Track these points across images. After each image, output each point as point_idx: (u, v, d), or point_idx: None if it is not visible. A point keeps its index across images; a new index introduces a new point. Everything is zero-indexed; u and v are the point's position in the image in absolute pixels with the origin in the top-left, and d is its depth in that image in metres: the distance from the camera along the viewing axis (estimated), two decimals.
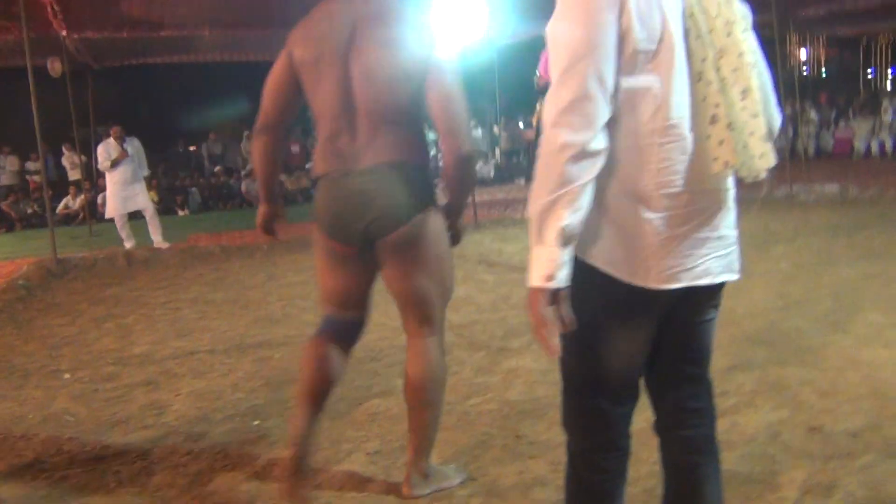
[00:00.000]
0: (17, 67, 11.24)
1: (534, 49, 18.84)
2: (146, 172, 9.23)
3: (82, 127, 13.16)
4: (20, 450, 3.00)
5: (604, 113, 1.33)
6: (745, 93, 1.38)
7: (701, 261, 1.44)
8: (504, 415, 3.07)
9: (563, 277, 1.33)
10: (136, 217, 8.99)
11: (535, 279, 1.33)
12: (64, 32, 11.22)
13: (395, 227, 2.18)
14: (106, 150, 8.59)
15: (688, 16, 1.36)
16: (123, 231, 8.77)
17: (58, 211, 13.23)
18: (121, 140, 8.61)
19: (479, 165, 16.78)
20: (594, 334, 1.47)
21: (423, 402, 2.29)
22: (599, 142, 1.33)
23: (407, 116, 2.20)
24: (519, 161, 17.74)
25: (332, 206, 2.21)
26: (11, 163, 15.55)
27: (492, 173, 17.20)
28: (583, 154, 1.31)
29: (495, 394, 3.33)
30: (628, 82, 1.36)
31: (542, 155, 1.33)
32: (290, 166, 16.88)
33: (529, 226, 1.37)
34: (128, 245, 8.69)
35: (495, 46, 16.18)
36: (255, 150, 2.39)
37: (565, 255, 1.33)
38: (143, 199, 8.84)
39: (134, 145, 8.84)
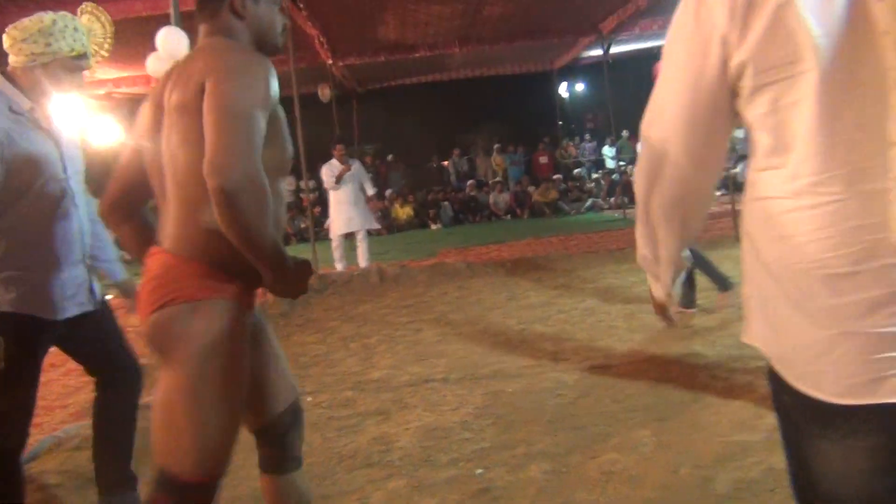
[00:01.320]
0: (290, 96, 12.42)
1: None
2: (371, 191, 9.20)
3: (349, 146, 14.17)
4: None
5: None
6: None
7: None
8: None
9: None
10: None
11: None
12: (330, 61, 12.15)
13: None
14: (330, 170, 8.78)
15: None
16: (337, 252, 8.92)
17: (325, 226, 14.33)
18: (343, 159, 8.75)
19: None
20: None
21: None
22: None
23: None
24: None
25: None
26: (289, 182, 17.22)
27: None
28: None
29: None
30: None
31: None
32: (538, 178, 16.89)
33: None
34: (339, 266, 8.87)
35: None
36: None
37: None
38: (361, 221, 8.86)
39: (355, 167, 8.92)
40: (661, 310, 1.46)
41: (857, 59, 0.96)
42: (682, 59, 1.11)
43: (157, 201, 1.81)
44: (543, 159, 17.74)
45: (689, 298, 5.09)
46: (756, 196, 1.11)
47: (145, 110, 1.83)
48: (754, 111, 1.06)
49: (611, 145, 17.47)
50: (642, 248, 1.31)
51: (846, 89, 0.96)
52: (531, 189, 15.97)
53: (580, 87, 21.95)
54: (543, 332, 5.20)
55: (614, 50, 13.64)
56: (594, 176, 17.00)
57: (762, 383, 2.67)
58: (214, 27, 1.79)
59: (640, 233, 1.29)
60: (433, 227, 15.15)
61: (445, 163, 19.23)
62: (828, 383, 1.04)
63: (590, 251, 8.91)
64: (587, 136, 19.82)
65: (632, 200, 7.83)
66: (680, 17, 1.10)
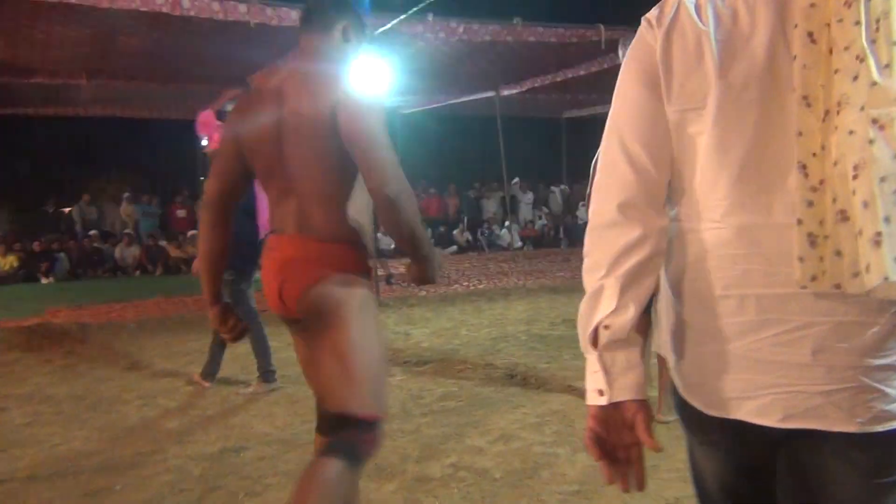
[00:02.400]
0: None
1: (437, 118, 18.44)
2: None
3: None
4: None
5: None
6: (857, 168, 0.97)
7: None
8: None
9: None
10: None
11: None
12: None
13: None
14: None
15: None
16: None
17: None
18: None
19: (381, 236, 16.04)
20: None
21: None
22: None
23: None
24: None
25: None
26: None
27: (392, 245, 16.47)
28: None
29: None
30: None
31: None
32: (175, 232, 15.63)
33: None
34: None
35: (399, 114, 15.75)
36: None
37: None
38: None
39: None
40: (594, 440, 1.15)
41: (753, 97, 1.04)
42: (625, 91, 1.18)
43: (275, 196, 2.07)
44: (181, 213, 16.53)
45: (211, 367, 4.86)
46: (670, 217, 1.15)
47: (251, 116, 2.04)
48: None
49: None
50: (589, 283, 1.16)
51: (735, 127, 1.04)
52: (165, 244, 14.68)
53: None
54: (168, 407, 4.44)
55: None
56: None
57: None
58: (325, 44, 2.10)
59: (587, 261, 1.17)
60: (44, 280, 13.05)
61: (68, 209, 16.92)
62: (704, 395, 1.13)
63: None
64: None
65: None
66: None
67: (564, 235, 17.39)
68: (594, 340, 1.11)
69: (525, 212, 18.59)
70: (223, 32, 7.87)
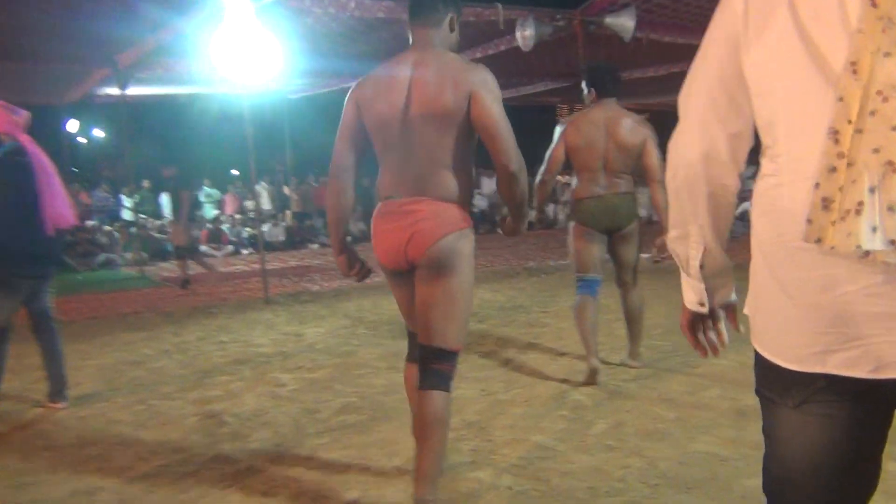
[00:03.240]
0: None
1: (328, 104, 17.70)
2: None
3: None
4: None
5: None
6: None
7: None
8: None
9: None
10: None
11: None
12: None
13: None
14: None
15: None
16: None
17: None
18: None
19: (267, 228, 15.19)
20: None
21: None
22: None
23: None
24: (313, 223, 16.36)
25: None
26: None
27: (282, 237, 15.64)
28: None
29: None
30: None
31: None
32: None
33: None
34: None
35: (287, 98, 14.91)
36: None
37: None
38: None
39: None
40: (690, 327, 1.43)
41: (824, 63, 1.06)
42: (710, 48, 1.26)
43: (393, 166, 2.46)
44: None
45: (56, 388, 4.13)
46: (759, 175, 1.21)
47: (380, 96, 2.43)
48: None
49: (129, 195, 15.69)
50: (672, 228, 1.36)
51: (805, 89, 1.08)
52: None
53: (99, 130, 19.66)
54: None
55: (135, 91, 12.18)
56: (107, 228, 15.00)
57: None
58: (437, 37, 2.49)
59: (671, 210, 1.35)
60: None
61: None
62: (786, 351, 1.17)
63: (97, 316, 7.39)
64: (103, 185, 17.64)
65: (153, 256, 6.53)
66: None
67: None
68: (690, 269, 1.35)
69: None
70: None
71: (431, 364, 2.40)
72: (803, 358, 1.13)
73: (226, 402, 4.08)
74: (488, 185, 19.16)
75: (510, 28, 8.92)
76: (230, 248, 14.77)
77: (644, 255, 4.33)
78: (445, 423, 2.39)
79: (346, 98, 2.54)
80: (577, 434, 3.22)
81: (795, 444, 1.19)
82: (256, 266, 10.09)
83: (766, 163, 1.19)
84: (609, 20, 8.77)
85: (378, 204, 2.54)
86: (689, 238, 1.32)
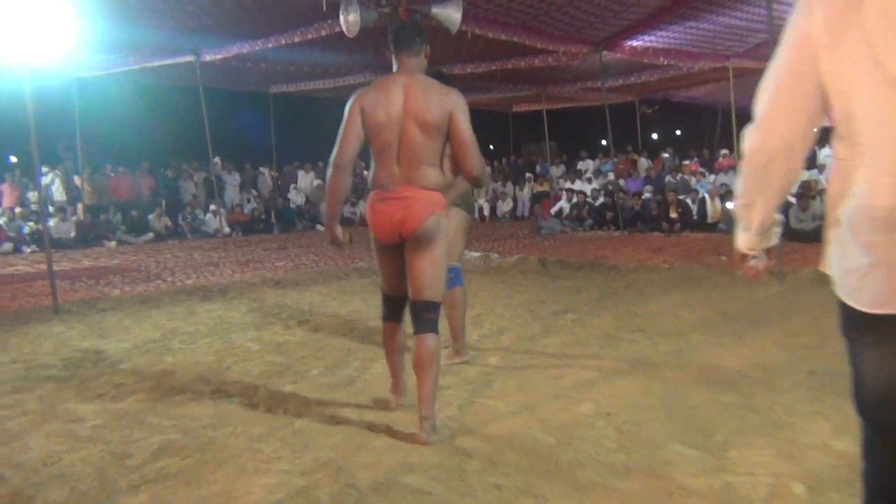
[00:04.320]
0: None
1: (126, 85, 16.03)
2: None
3: None
4: None
5: None
6: None
7: None
8: None
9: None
10: None
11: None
12: None
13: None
14: None
15: None
16: None
17: None
18: None
19: (54, 223, 13.45)
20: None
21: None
22: None
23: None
24: (108, 217, 14.73)
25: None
26: None
27: (72, 233, 13.92)
28: None
29: None
30: None
31: None
32: None
33: None
34: None
35: (76, 77, 13.24)
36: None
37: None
38: None
39: None
40: (741, 259, 1.81)
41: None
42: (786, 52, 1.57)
43: (388, 162, 3.14)
44: None
45: None
46: (835, 157, 1.54)
47: (378, 106, 3.12)
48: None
49: None
50: (742, 198, 1.70)
51: (877, 90, 1.40)
52: None
53: None
54: None
55: None
56: None
57: None
58: (416, 64, 3.24)
59: (742, 183, 1.68)
60: None
61: None
62: (865, 296, 1.47)
63: None
64: None
65: None
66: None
67: (276, 220, 16.13)
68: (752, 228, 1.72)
69: (232, 194, 16.99)
70: None
71: (423, 314, 3.15)
72: (881, 303, 1.44)
73: (2, 447, 3.24)
74: (304, 179, 18.37)
75: (333, 12, 8.34)
76: (8, 245, 12.90)
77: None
78: (438, 356, 3.15)
79: (350, 104, 3.17)
80: (454, 471, 2.78)
81: (874, 374, 1.51)
82: (42, 266, 8.75)
83: (840, 148, 1.51)
84: (435, 10, 8.44)
85: (372, 192, 3.21)
86: (754, 206, 1.67)
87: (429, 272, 3.13)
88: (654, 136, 30.59)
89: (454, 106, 3.09)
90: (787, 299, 6.07)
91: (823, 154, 15.65)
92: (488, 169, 3.77)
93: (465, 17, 8.44)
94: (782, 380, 3.78)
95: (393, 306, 3.39)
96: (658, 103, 20.92)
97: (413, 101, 3.08)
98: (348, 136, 3.15)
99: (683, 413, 3.33)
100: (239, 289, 7.74)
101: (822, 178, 13.90)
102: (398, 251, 3.22)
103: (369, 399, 3.72)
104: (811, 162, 15.52)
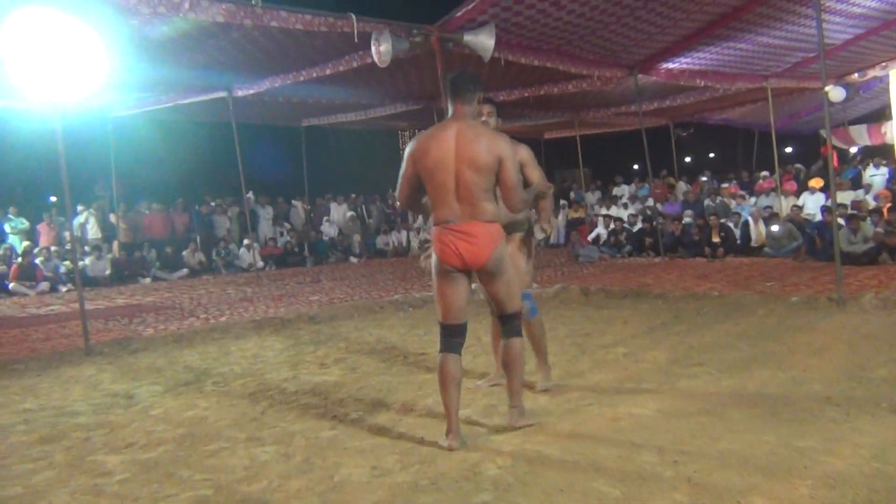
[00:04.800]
0: None
1: (159, 122, 16.13)
2: None
3: None
4: None
5: None
6: None
7: None
8: None
9: None
10: None
11: None
12: None
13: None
14: None
15: None
16: None
17: None
18: None
19: (89, 262, 13.48)
20: None
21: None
22: None
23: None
24: (143, 255, 14.74)
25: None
26: None
27: (107, 270, 13.94)
28: None
29: None
30: None
31: None
32: None
33: None
34: None
35: (111, 116, 13.35)
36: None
37: None
38: None
39: None
40: None
41: None
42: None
43: (447, 199, 3.47)
44: None
45: None
46: None
47: (431, 152, 3.48)
48: None
49: None
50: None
51: None
52: None
53: None
54: None
55: None
56: None
57: None
58: (469, 111, 3.56)
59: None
60: None
61: None
62: None
63: None
64: None
65: None
66: None
67: (309, 253, 16.03)
68: None
69: (265, 228, 16.95)
70: None
71: (508, 323, 3.62)
72: None
73: None
74: (337, 211, 18.31)
75: (364, 43, 8.21)
76: (45, 284, 12.93)
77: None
78: (524, 357, 3.66)
79: (406, 154, 3.57)
80: None
81: None
82: (76, 306, 8.68)
83: None
84: (468, 38, 8.30)
85: (436, 226, 3.52)
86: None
87: (504, 291, 3.58)
88: (688, 159, 30.19)
89: (503, 152, 3.44)
90: (851, 327, 5.70)
91: (869, 174, 15.22)
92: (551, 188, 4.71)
93: (498, 43, 8.28)
94: (862, 417, 3.45)
95: (452, 336, 3.52)
96: (692, 126, 20.56)
97: (465, 147, 3.41)
98: (403, 184, 3.59)
99: (759, 460, 3.01)
100: (273, 325, 7.56)
101: (868, 197, 13.49)
102: (462, 278, 3.51)
103: (414, 444, 3.47)
104: (857, 182, 15.12)
